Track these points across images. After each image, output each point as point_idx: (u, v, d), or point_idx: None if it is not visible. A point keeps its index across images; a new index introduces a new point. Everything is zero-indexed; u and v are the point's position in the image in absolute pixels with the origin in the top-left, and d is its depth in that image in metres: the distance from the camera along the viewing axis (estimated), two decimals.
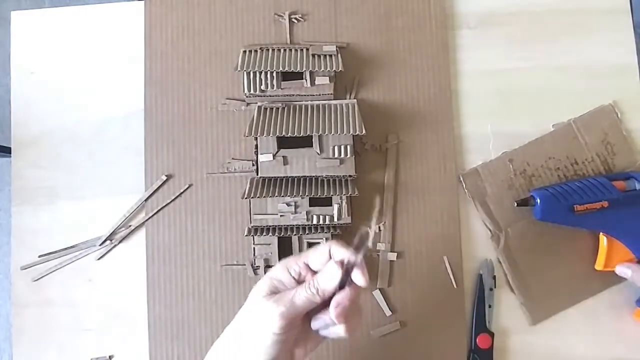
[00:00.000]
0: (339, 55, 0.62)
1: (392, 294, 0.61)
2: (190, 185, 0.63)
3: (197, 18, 0.65)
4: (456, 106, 0.64)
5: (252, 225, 0.60)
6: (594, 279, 0.61)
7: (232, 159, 0.63)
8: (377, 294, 0.61)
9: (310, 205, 0.59)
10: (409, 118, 0.63)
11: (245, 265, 0.61)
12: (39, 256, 0.63)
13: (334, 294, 0.43)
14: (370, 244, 0.42)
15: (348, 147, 0.59)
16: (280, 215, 0.59)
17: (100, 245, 0.63)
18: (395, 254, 0.61)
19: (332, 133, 0.57)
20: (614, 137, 0.63)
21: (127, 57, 0.65)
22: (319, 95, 0.61)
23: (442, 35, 0.65)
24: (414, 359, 0.60)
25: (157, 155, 0.63)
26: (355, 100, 0.62)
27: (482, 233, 0.63)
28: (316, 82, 0.61)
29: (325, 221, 0.59)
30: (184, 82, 0.64)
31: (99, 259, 0.63)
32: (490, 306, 0.61)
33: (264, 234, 0.60)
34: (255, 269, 0.61)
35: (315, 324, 0.45)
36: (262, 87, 0.60)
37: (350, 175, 0.59)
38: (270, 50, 0.63)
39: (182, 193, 0.63)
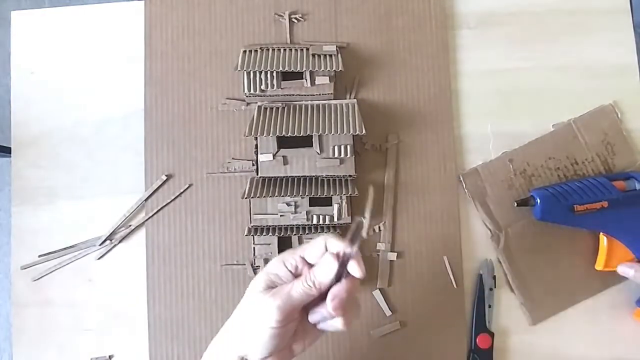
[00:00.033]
0: (339, 55, 0.62)
1: (392, 294, 0.61)
2: (190, 185, 0.63)
3: (197, 18, 0.65)
4: (456, 106, 0.64)
5: (252, 225, 0.60)
6: (594, 279, 0.61)
7: (232, 158, 0.63)
8: (377, 294, 0.61)
9: (310, 205, 0.59)
10: (409, 118, 0.63)
11: (245, 265, 0.61)
12: (39, 256, 0.63)
13: (330, 287, 0.43)
14: (364, 234, 0.42)
15: (348, 147, 0.59)
16: (280, 215, 0.59)
17: (100, 245, 0.63)
18: (395, 254, 0.61)
19: (332, 133, 0.57)
20: (614, 137, 0.63)
21: (127, 57, 0.65)
22: (319, 95, 0.61)
23: (442, 35, 0.65)
24: (414, 359, 0.60)
25: (157, 155, 0.63)
26: (355, 100, 0.62)
27: (482, 233, 0.63)
28: (316, 82, 0.61)
29: (325, 221, 0.59)
30: (184, 82, 0.64)
31: (98, 258, 0.63)
32: (490, 306, 0.61)
33: (264, 233, 0.60)
34: (255, 269, 0.61)
35: (312, 317, 0.45)
36: (262, 87, 0.60)
37: (350, 175, 0.59)
38: (270, 50, 0.63)
39: (182, 193, 0.63)
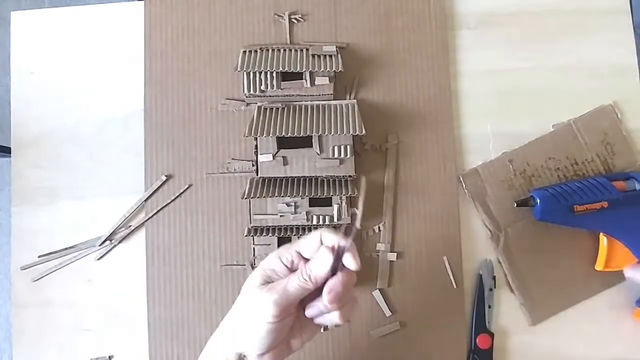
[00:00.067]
0: (339, 55, 0.62)
1: (392, 294, 0.61)
2: (190, 186, 0.63)
3: (197, 18, 0.65)
4: (456, 106, 0.64)
5: (252, 225, 0.60)
6: (594, 279, 0.61)
7: (232, 159, 0.63)
8: (377, 294, 0.61)
9: (310, 206, 0.59)
10: (409, 118, 0.63)
11: (245, 265, 0.61)
12: (39, 256, 0.63)
13: (327, 281, 0.43)
14: (358, 225, 0.43)
15: (348, 147, 0.59)
16: (280, 216, 0.59)
17: (100, 245, 0.63)
18: (395, 254, 0.61)
19: (332, 133, 0.57)
20: (614, 137, 0.63)
21: (127, 57, 0.65)
22: (319, 95, 0.61)
23: (442, 35, 0.65)
24: (414, 359, 0.60)
25: (157, 155, 0.63)
26: (355, 100, 0.62)
27: (482, 233, 0.63)
28: (316, 82, 0.61)
29: (325, 221, 0.59)
30: (184, 82, 0.64)
31: (98, 259, 0.63)
32: (490, 306, 0.61)
33: (264, 234, 0.60)
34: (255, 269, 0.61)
35: (309, 312, 0.45)
36: (262, 87, 0.60)
37: (350, 176, 0.60)
38: (270, 50, 0.63)
39: (182, 193, 0.63)
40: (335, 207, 0.59)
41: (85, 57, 0.66)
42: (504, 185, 0.62)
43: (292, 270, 0.45)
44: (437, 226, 0.62)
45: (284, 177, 0.60)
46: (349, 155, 0.59)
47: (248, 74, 0.60)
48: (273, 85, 0.60)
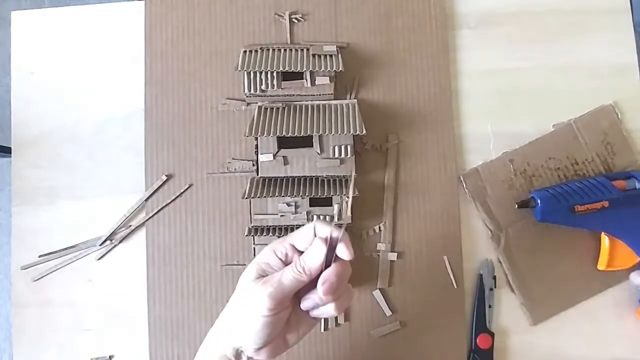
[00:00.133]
0: (339, 55, 0.62)
1: (392, 294, 0.61)
2: (190, 185, 0.63)
3: (197, 18, 0.65)
4: (456, 106, 0.64)
5: (252, 225, 0.60)
6: (594, 279, 0.61)
7: (232, 159, 0.63)
8: (377, 294, 0.61)
9: (310, 205, 0.59)
10: (409, 118, 0.63)
11: (245, 265, 0.61)
12: (39, 256, 0.63)
13: (321, 273, 0.43)
14: (349, 213, 0.43)
15: (348, 147, 0.59)
16: (281, 216, 0.59)
17: (100, 245, 0.63)
18: (395, 254, 0.61)
19: (333, 133, 0.57)
20: (614, 137, 0.63)
21: (128, 57, 0.65)
22: (319, 95, 0.61)
23: (442, 35, 0.65)
24: (414, 359, 0.60)
25: (157, 155, 0.63)
26: (355, 100, 0.62)
27: (482, 233, 0.63)
28: (316, 82, 0.61)
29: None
30: (184, 82, 0.64)
31: (99, 259, 0.63)
32: (490, 306, 0.61)
33: (264, 234, 0.60)
34: None
35: (305, 304, 0.45)
36: (262, 87, 0.60)
37: (354, 179, 0.59)
38: (271, 50, 0.63)
39: (182, 193, 0.62)
40: (336, 207, 0.59)
41: (85, 57, 0.66)
42: (505, 185, 0.62)
43: (286, 263, 0.45)
44: (438, 226, 0.62)
45: (284, 177, 0.60)
46: (349, 155, 0.59)
47: (248, 73, 0.60)
48: (273, 85, 0.60)
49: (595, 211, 0.58)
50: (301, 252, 0.45)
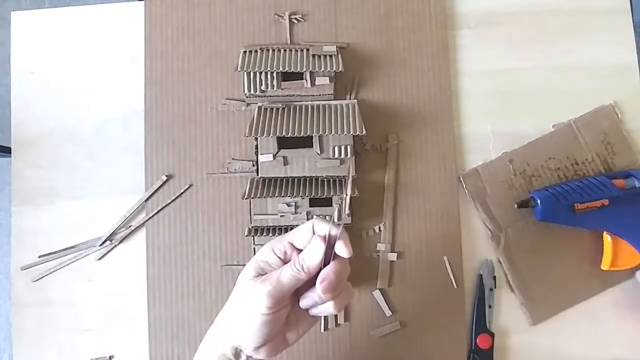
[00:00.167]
0: (339, 55, 0.62)
1: (392, 294, 0.61)
2: (190, 186, 0.63)
3: (197, 18, 0.65)
4: (456, 106, 0.64)
5: (252, 225, 0.60)
6: (594, 279, 0.61)
7: (232, 159, 0.63)
8: (377, 294, 0.61)
9: (310, 206, 0.59)
10: (409, 118, 0.63)
11: (245, 265, 0.61)
12: (39, 256, 0.63)
13: (320, 271, 0.43)
14: (347, 211, 0.43)
15: (348, 147, 0.59)
16: (281, 216, 0.59)
17: (100, 245, 0.63)
18: (395, 254, 0.61)
19: (332, 133, 0.57)
20: (614, 137, 0.63)
21: (128, 57, 0.65)
22: (319, 95, 0.61)
23: (442, 35, 0.65)
24: (414, 359, 0.60)
25: (157, 155, 0.63)
26: (355, 100, 0.62)
27: (482, 233, 0.63)
28: (316, 83, 0.61)
29: None
30: (184, 82, 0.64)
31: (99, 259, 0.63)
32: (490, 306, 0.61)
33: (264, 234, 0.60)
34: None
35: (303, 302, 0.45)
36: (262, 87, 0.60)
37: (352, 177, 0.59)
38: (271, 50, 0.63)
39: (182, 193, 0.63)
40: (336, 207, 0.59)
41: (85, 57, 0.66)
42: (504, 185, 0.62)
43: (285, 261, 0.45)
44: (438, 226, 0.62)
45: (284, 177, 0.60)
46: (349, 155, 0.59)
47: (248, 74, 0.60)
48: (273, 85, 0.60)
49: (595, 209, 0.58)
50: (300, 251, 0.45)
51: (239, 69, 0.60)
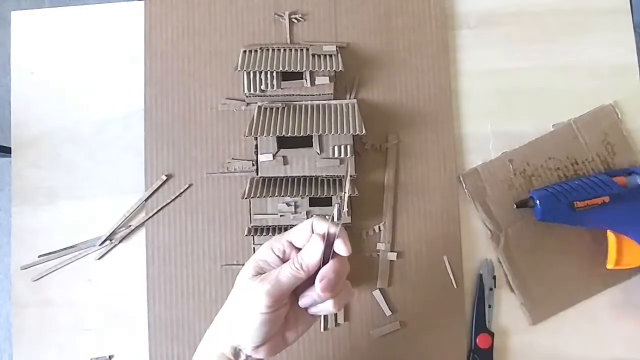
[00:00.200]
0: (339, 55, 0.62)
1: (392, 294, 0.61)
2: (190, 185, 0.63)
3: (197, 18, 0.65)
4: (456, 106, 0.64)
5: (252, 225, 0.60)
6: (594, 279, 0.61)
7: (232, 159, 0.63)
8: (377, 294, 0.61)
9: (310, 205, 0.59)
10: (409, 118, 0.63)
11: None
12: (39, 256, 0.63)
13: (319, 269, 0.43)
14: (346, 208, 0.42)
15: (348, 147, 0.59)
16: (280, 215, 0.59)
17: (100, 245, 0.63)
18: (395, 254, 0.61)
19: (332, 133, 0.57)
20: (614, 137, 0.63)
21: (128, 57, 0.65)
22: (319, 95, 0.61)
23: (442, 35, 0.65)
24: (414, 359, 0.60)
25: (157, 155, 0.63)
26: (355, 100, 0.62)
27: (482, 233, 0.63)
28: (316, 82, 0.61)
29: None
30: (184, 82, 0.64)
31: (99, 259, 0.63)
32: (490, 306, 0.61)
33: (264, 234, 0.60)
34: None
35: (303, 301, 0.45)
36: (262, 87, 0.60)
37: (350, 175, 0.59)
38: (270, 50, 0.63)
39: (182, 193, 0.63)
40: (336, 206, 0.59)
41: (85, 57, 0.66)
42: (504, 185, 0.62)
43: (284, 260, 0.45)
44: (437, 226, 0.62)
45: (284, 177, 0.60)
46: (349, 155, 0.59)
47: (248, 73, 0.60)
48: (273, 85, 0.60)
49: (596, 207, 0.57)
50: (299, 249, 0.45)
51: (239, 69, 0.60)
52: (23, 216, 0.64)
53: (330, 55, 0.61)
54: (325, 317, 0.60)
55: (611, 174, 0.60)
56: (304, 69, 0.60)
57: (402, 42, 0.64)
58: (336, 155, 0.59)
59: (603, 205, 0.57)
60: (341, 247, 0.43)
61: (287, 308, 0.44)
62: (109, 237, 0.63)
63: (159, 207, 0.62)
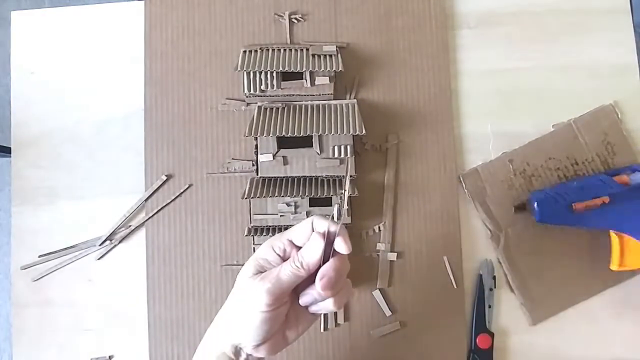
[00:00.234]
0: (339, 55, 0.62)
1: (392, 294, 0.61)
2: (190, 185, 0.63)
3: (197, 18, 0.65)
4: (456, 106, 0.64)
5: (252, 225, 0.60)
6: (594, 279, 0.61)
7: (232, 159, 0.63)
8: (377, 294, 0.61)
9: (310, 206, 0.59)
10: (409, 118, 0.63)
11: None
12: (39, 256, 0.63)
13: (320, 268, 0.43)
14: (346, 207, 0.42)
15: (348, 147, 0.59)
16: (280, 216, 0.59)
17: (100, 245, 0.63)
18: (395, 254, 0.61)
19: (332, 133, 0.57)
20: (614, 137, 0.63)
21: (128, 57, 0.65)
22: (319, 95, 0.61)
23: (442, 35, 0.65)
24: (414, 359, 0.60)
25: (157, 155, 0.63)
26: (355, 100, 0.62)
27: (482, 233, 0.63)
28: (316, 82, 0.61)
29: None
30: (184, 82, 0.64)
31: (99, 259, 0.63)
32: (490, 306, 0.61)
33: (264, 234, 0.60)
34: None
35: (303, 300, 0.45)
36: (262, 87, 0.60)
37: (350, 175, 0.59)
38: (270, 50, 0.63)
39: (182, 193, 0.63)
40: (336, 207, 0.59)
41: (85, 57, 0.66)
42: (504, 185, 0.62)
43: (284, 259, 0.45)
44: (437, 226, 0.62)
45: (284, 177, 0.60)
46: (349, 155, 0.59)
47: (248, 73, 0.60)
48: (273, 85, 0.60)
49: (596, 208, 0.57)
50: (299, 248, 0.45)
51: (238, 69, 0.60)
52: (23, 216, 0.64)
53: (330, 56, 0.61)
54: (325, 317, 0.60)
55: (613, 172, 0.60)
56: (304, 69, 0.60)
57: (402, 42, 0.64)
58: (336, 155, 0.59)
59: (603, 205, 0.57)
60: (341, 246, 0.43)
61: (287, 306, 0.44)
62: (109, 237, 0.63)
63: (159, 207, 0.62)
